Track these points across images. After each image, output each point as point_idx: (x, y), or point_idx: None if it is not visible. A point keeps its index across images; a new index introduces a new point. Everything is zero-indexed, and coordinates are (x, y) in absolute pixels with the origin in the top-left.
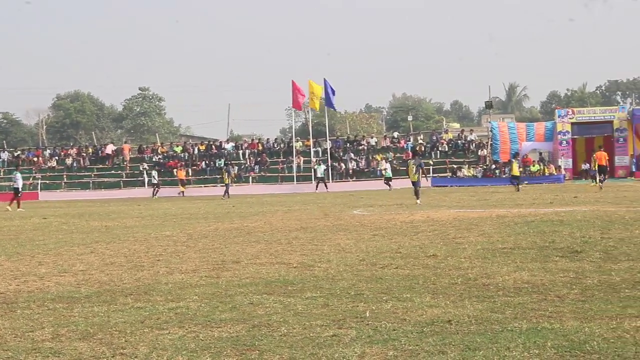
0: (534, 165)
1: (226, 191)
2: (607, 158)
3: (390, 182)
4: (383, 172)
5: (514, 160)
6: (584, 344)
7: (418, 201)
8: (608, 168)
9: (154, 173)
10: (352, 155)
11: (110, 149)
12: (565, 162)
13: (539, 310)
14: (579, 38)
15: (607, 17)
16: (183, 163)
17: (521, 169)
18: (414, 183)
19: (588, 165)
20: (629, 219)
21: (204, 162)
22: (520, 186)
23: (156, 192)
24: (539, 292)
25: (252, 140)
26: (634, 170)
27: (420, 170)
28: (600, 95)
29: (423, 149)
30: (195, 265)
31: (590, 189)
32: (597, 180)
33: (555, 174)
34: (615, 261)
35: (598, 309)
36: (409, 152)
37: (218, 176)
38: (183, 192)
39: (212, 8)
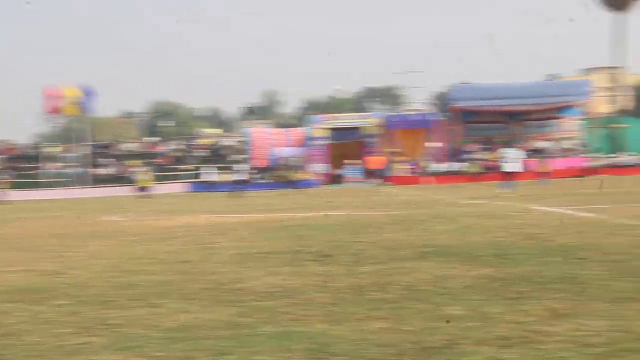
0: (288, 170)
1: None
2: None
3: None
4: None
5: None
6: (331, 346)
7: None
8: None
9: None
10: (108, 160)
11: None
12: (321, 167)
13: (288, 314)
14: (334, 43)
15: (355, 25)
16: None
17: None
18: (145, 188)
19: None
20: (380, 222)
21: None
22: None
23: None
24: (289, 296)
25: (6, 145)
26: (387, 175)
27: (152, 176)
28: (355, 101)
29: (181, 154)
30: None
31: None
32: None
33: (311, 179)
34: (364, 264)
35: (346, 312)
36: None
37: None
38: None
39: None
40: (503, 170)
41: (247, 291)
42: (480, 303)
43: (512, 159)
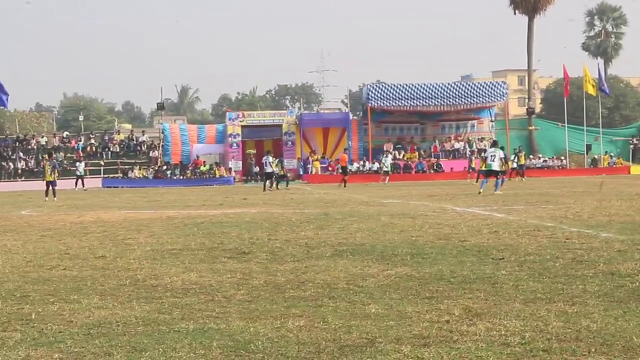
0: (204, 166)
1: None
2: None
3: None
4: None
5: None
6: (249, 343)
7: (47, 198)
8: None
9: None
10: (21, 154)
11: None
12: (236, 164)
13: (205, 311)
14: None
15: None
16: None
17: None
18: (50, 182)
19: (258, 167)
20: (295, 220)
21: None
22: None
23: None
24: (206, 292)
25: None
26: (301, 173)
27: (56, 171)
28: (270, 99)
29: (95, 149)
30: None
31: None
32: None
33: (226, 175)
34: (281, 262)
35: (263, 309)
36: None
37: None
38: None
39: None
40: (489, 169)
41: (164, 288)
42: (397, 302)
43: (496, 158)
